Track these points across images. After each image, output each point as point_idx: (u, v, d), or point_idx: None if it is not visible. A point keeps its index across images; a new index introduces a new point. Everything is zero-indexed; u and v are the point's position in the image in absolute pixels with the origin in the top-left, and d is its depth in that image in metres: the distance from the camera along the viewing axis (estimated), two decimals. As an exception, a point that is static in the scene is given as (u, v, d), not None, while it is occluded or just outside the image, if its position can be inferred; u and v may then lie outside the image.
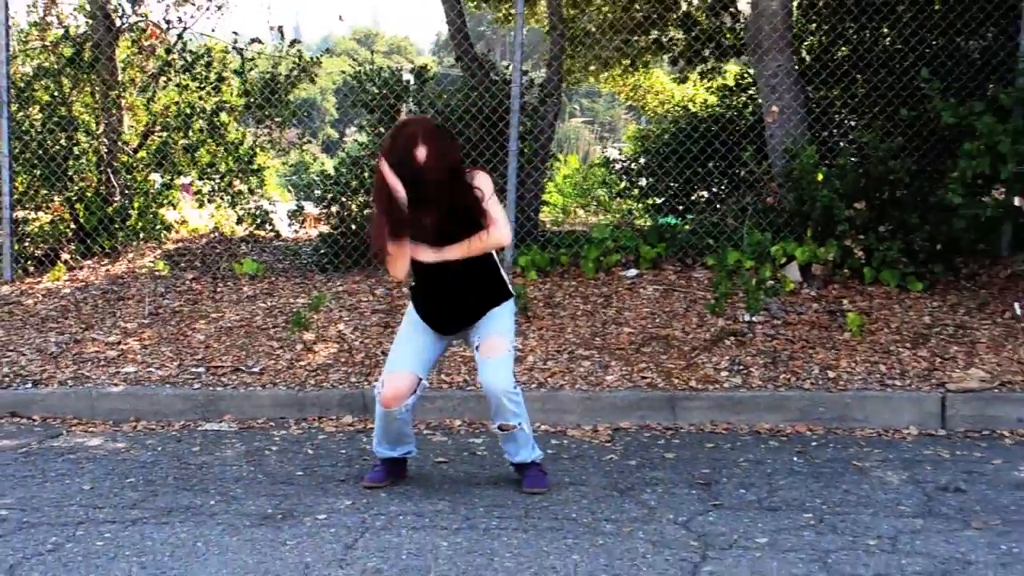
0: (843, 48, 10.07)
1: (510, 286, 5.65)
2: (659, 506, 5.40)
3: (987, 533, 4.90)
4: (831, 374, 7.18)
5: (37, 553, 4.96)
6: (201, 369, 7.84)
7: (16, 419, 7.47)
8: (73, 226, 10.88)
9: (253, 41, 10.92)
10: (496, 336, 5.46)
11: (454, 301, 5.50)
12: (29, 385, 7.75)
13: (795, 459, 6.17)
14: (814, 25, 10.50)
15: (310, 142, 12.16)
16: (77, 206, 10.85)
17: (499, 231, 5.41)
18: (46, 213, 11.05)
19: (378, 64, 11.08)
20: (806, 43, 10.63)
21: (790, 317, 8.07)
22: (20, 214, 10.69)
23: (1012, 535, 4.87)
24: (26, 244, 10.74)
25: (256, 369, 7.78)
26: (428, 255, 5.39)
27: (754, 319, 7.96)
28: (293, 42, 10.94)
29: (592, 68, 14.62)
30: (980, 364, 7.18)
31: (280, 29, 10.86)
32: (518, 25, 9.33)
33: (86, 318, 8.94)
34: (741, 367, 7.34)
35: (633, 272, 9.16)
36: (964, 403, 6.73)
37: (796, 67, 9.68)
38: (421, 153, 5.30)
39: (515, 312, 5.65)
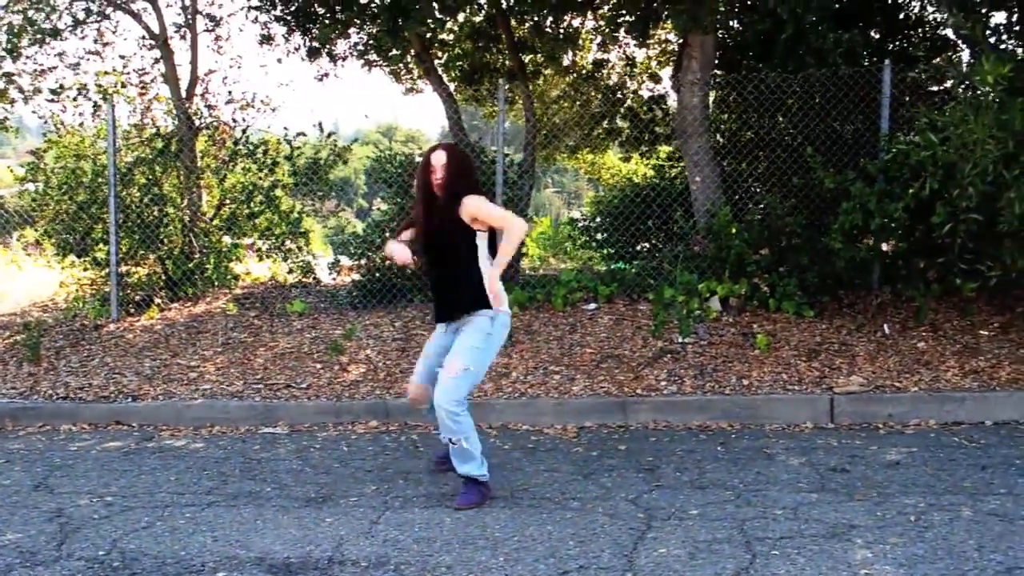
0: (748, 132, 10.02)
1: (496, 303, 5.07)
2: (614, 487, 5.30)
3: (867, 503, 4.83)
4: (745, 382, 7.09)
5: (134, 530, 4.86)
6: (261, 386, 7.72)
7: (119, 426, 7.35)
8: (164, 277, 10.76)
9: (299, 134, 10.84)
10: (455, 356, 4.95)
11: (440, 295, 5.19)
12: (129, 399, 7.63)
13: (719, 448, 6.07)
14: (725, 116, 10.45)
15: (344, 210, 12.10)
16: (167, 262, 10.73)
17: (512, 226, 4.92)
18: (143, 267, 10.93)
19: (395, 151, 11.01)
20: (721, 128, 10.58)
21: (713, 339, 7.97)
22: (123, 268, 10.58)
23: (885, 504, 4.79)
24: (128, 292, 10.62)
25: (303, 385, 7.66)
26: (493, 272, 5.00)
27: (686, 341, 7.87)
28: (330, 134, 10.86)
29: (561, 151, 14.59)
30: (859, 372, 7.10)
31: (320, 124, 10.77)
32: (500, 119, 9.28)
33: (173, 348, 8.82)
34: (677, 378, 7.25)
35: (593, 306, 9.06)
36: (848, 403, 6.64)
37: (713, 147, 9.63)
38: (438, 155, 5.06)
39: (491, 332, 5.03)
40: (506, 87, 9.64)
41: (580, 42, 12.52)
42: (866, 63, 9.09)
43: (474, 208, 4.96)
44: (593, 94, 13.01)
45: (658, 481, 5.39)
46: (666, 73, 12.96)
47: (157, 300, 10.51)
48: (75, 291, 11.18)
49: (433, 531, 4.68)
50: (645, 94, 12.92)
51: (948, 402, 6.57)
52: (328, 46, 10.53)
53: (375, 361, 8.05)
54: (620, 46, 13.07)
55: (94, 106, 11.67)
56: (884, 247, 8.60)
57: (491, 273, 5.02)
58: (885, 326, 7.91)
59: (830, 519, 4.60)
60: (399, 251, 5.26)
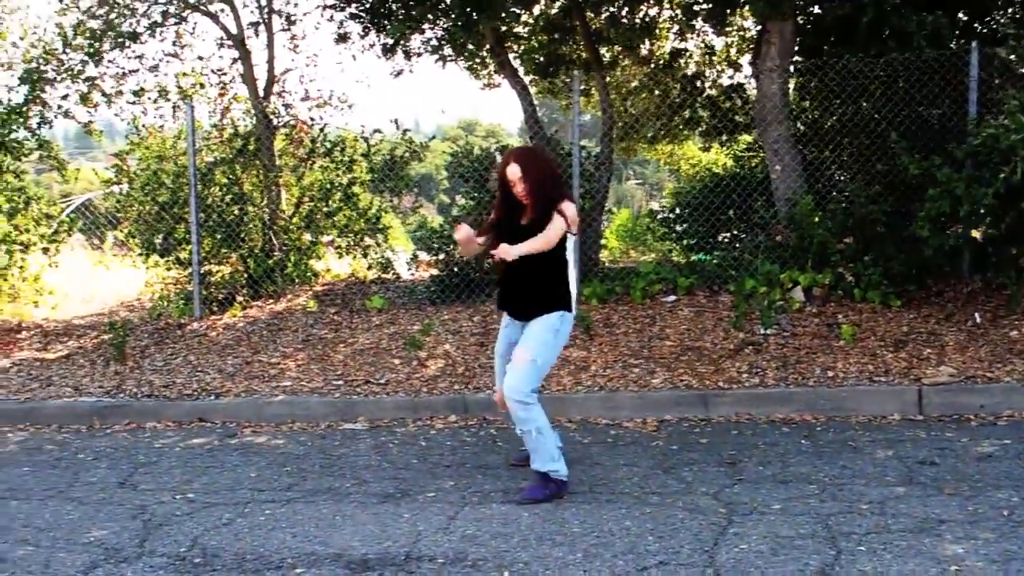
0: (830, 119, 9.81)
1: (567, 303, 5.11)
2: (694, 481, 5.24)
3: (957, 497, 4.69)
4: (830, 373, 6.94)
5: (215, 527, 4.94)
6: (340, 382, 7.80)
7: (202, 423, 7.47)
8: (245, 276, 10.94)
9: (375, 131, 10.93)
10: (521, 348, 5.00)
11: (510, 292, 5.21)
12: (212, 397, 7.76)
13: (803, 442, 5.95)
14: (806, 103, 10.26)
15: (421, 206, 12.16)
16: (248, 260, 10.91)
17: (537, 240, 4.92)
18: (225, 266, 11.12)
19: (472, 145, 11.04)
20: (802, 115, 10.39)
21: (796, 330, 7.83)
22: (205, 267, 10.78)
23: (977, 498, 4.65)
24: (211, 290, 10.81)
25: (382, 381, 7.72)
26: (503, 252, 4.94)
27: (768, 332, 7.75)
28: (405, 131, 10.92)
29: (640, 143, 14.49)
30: (949, 363, 6.91)
31: (396, 121, 10.86)
32: (574, 111, 9.23)
33: (254, 345, 8.96)
34: (759, 370, 7.13)
35: (672, 298, 8.97)
36: (937, 394, 6.46)
37: (793, 135, 9.46)
38: (512, 169, 5.05)
39: (559, 328, 5.05)
40: (581, 78, 9.58)
41: (656, 31, 12.41)
42: (952, 46, 8.84)
43: (571, 213, 5.04)
44: (671, 84, 12.87)
45: (740, 475, 5.30)
46: (745, 60, 12.79)
47: (239, 298, 10.69)
48: (160, 291, 11.43)
49: (510, 527, 4.67)
50: (724, 82, 12.77)
51: (1044, 392, 6.36)
52: (403, 42, 10.58)
53: (453, 356, 8.07)
54: (698, 34, 12.91)
55: (173, 108, 11.89)
56: (974, 234, 8.38)
57: (517, 248, 4.93)
58: (976, 315, 7.69)
59: (918, 513, 4.49)
60: (464, 231, 5.18)
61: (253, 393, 7.74)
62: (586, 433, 6.48)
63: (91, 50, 11.07)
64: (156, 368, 8.60)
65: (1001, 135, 7.38)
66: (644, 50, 12.68)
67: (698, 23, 11.87)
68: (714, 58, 13.13)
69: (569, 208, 5.04)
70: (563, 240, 5.09)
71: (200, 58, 12.14)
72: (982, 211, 7.53)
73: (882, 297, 8.12)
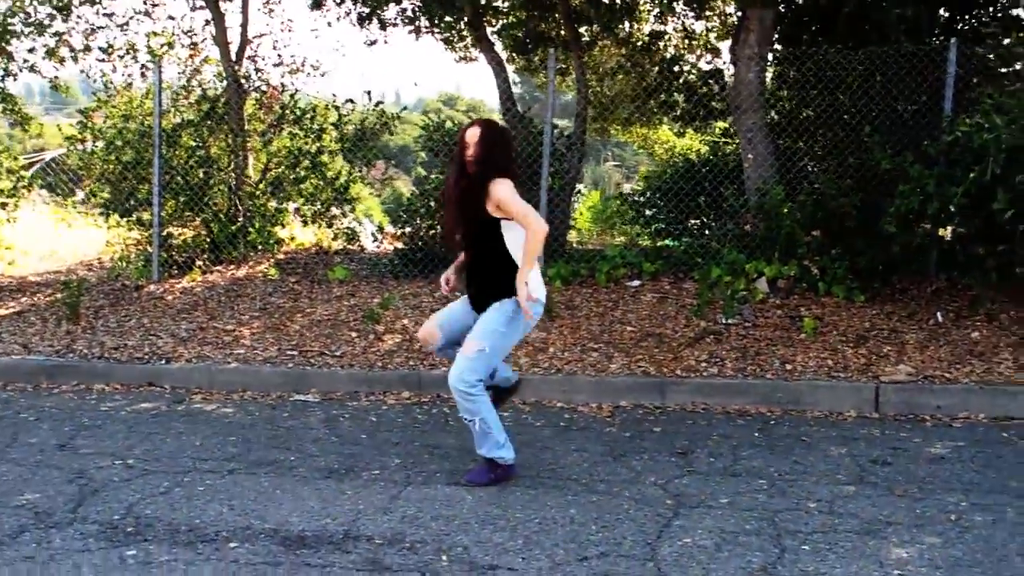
0: (806, 110, 9.73)
1: (526, 296, 4.83)
2: (644, 471, 5.16)
3: (907, 499, 4.63)
4: (788, 367, 6.87)
5: (151, 495, 4.82)
6: (295, 352, 7.66)
7: (152, 387, 7.32)
8: (208, 240, 10.76)
9: (347, 101, 10.76)
10: (473, 336, 4.78)
11: (470, 277, 5.00)
12: (163, 361, 7.60)
13: (756, 434, 5.88)
14: (783, 92, 10.17)
15: (393, 178, 12.00)
16: (212, 224, 10.73)
17: (529, 227, 4.69)
18: (188, 229, 10.94)
19: (444, 120, 10.88)
20: (778, 105, 10.30)
21: (759, 321, 7.76)
22: (167, 230, 10.59)
23: (926, 501, 4.59)
24: (172, 253, 10.63)
25: (338, 353, 7.59)
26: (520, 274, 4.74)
27: (730, 322, 7.68)
28: (378, 103, 10.74)
29: (614, 124, 14.35)
30: (908, 361, 6.85)
31: (368, 92, 10.68)
32: (549, 90, 9.09)
33: (211, 311, 8.80)
34: (717, 359, 7.05)
35: (636, 283, 8.88)
36: (894, 392, 6.40)
37: (767, 124, 9.38)
38: (472, 131, 4.86)
39: (512, 316, 4.81)
40: (557, 57, 9.45)
41: (637, 13, 12.27)
42: (933, 42, 8.76)
43: (498, 195, 4.73)
44: (648, 66, 12.74)
45: (690, 466, 5.23)
46: (725, 46, 12.69)
47: (199, 263, 10.50)
48: (120, 251, 11.23)
49: (453, 509, 4.57)
50: (704, 68, 12.65)
51: (1000, 396, 6.30)
52: (378, 12, 10.39)
53: (411, 331, 7.94)
54: (678, 17, 12.80)
55: (141, 67, 11.65)
56: (942, 233, 8.33)
57: (519, 276, 4.75)
58: (938, 314, 7.64)
59: (867, 514, 4.42)
60: (450, 283, 5.20)
61: (205, 359, 7.59)
62: (539, 416, 6.39)
63: (59, 4, 10.81)
64: (109, 329, 8.43)
65: (974, 134, 7.31)
66: (623, 31, 12.54)
67: (679, 6, 11.73)
68: (694, 42, 13.02)
69: (498, 187, 4.74)
70: (498, 226, 4.83)
71: (171, 18, 11.91)
72: (952, 210, 7.46)
73: (846, 292, 8.06)
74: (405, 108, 11.28)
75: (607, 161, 64.72)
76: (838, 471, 5.10)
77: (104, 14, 11.54)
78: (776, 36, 9.92)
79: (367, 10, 10.31)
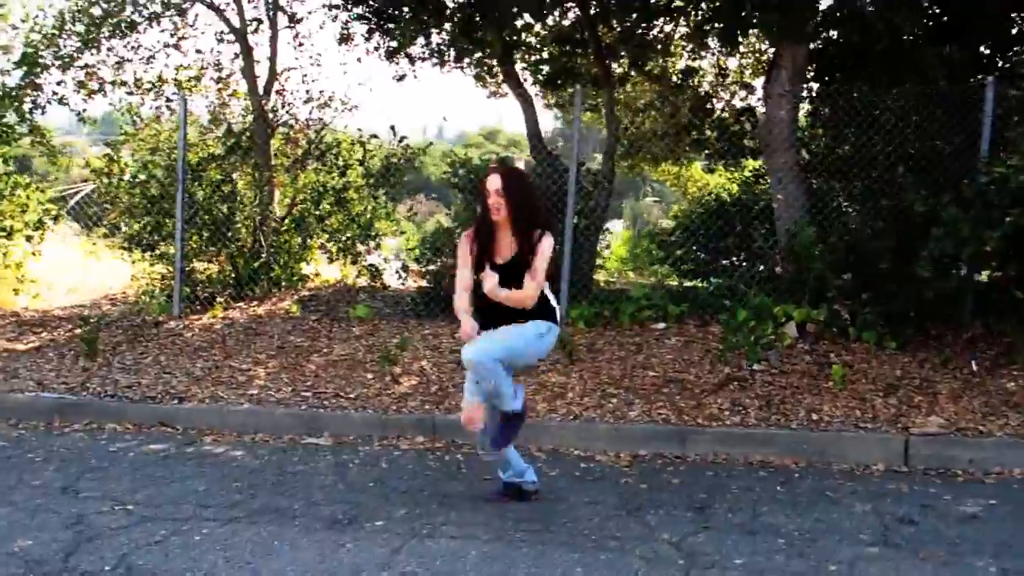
0: (839, 149, 9.54)
1: (553, 317, 5.07)
2: (658, 526, 4.96)
3: (932, 563, 4.39)
4: (815, 416, 6.65)
5: (147, 544, 4.70)
6: (309, 393, 7.55)
7: (164, 428, 7.24)
8: (232, 276, 10.72)
9: (372, 136, 10.72)
10: (501, 331, 4.95)
11: (499, 316, 5.02)
12: (176, 401, 7.52)
13: (779, 488, 5.67)
14: (817, 131, 9.99)
15: (416, 214, 11.91)
16: (236, 259, 10.71)
17: (524, 292, 4.92)
18: (213, 264, 10.91)
19: (468, 155, 10.80)
20: (811, 145, 10.12)
21: (786, 367, 7.55)
22: (191, 265, 10.56)
23: (953, 566, 4.36)
24: (196, 289, 10.60)
25: (352, 395, 7.47)
26: (487, 284, 4.92)
27: (756, 368, 7.47)
28: (402, 138, 10.69)
29: (644, 162, 14.23)
30: (940, 412, 6.61)
31: (393, 128, 10.64)
32: (575, 126, 8.98)
33: (228, 349, 8.72)
34: (741, 408, 6.84)
35: (662, 326, 8.71)
36: (925, 445, 6.17)
37: (799, 163, 9.19)
38: (492, 180, 4.98)
39: (543, 334, 5.01)
40: (584, 93, 9.36)
41: (671, 49, 12.17)
42: (972, 80, 8.55)
43: (544, 251, 4.95)
44: (680, 103, 12.61)
45: (707, 522, 5.02)
46: (759, 83, 12.53)
47: (220, 299, 10.45)
48: (145, 285, 11.23)
49: (455, 565, 4.41)
50: (737, 105, 12.52)
51: (1038, 451, 6.06)
52: (407, 47, 10.35)
53: (428, 373, 7.81)
54: (712, 54, 12.67)
55: (166, 100, 11.69)
56: (979, 278, 8.08)
57: (499, 290, 4.94)
58: (973, 363, 7.38)
59: (889, 580, 4.21)
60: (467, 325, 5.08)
61: (218, 400, 7.50)
62: (555, 464, 6.21)
63: (87, 37, 10.88)
64: (124, 366, 8.38)
65: (1011, 175, 7.09)
66: (655, 67, 12.43)
67: (710, 42, 11.61)
68: (727, 79, 12.88)
69: (547, 243, 4.96)
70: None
71: (198, 52, 11.99)
72: (987, 253, 7.22)
73: (878, 338, 7.83)
74: (431, 144, 11.23)
75: (647, 196, 64.60)
76: (862, 530, 4.87)
77: (131, 47, 11.57)
78: (811, 74, 9.76)
79: (395, 44, 10.27)
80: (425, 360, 8.10)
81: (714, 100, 12.42)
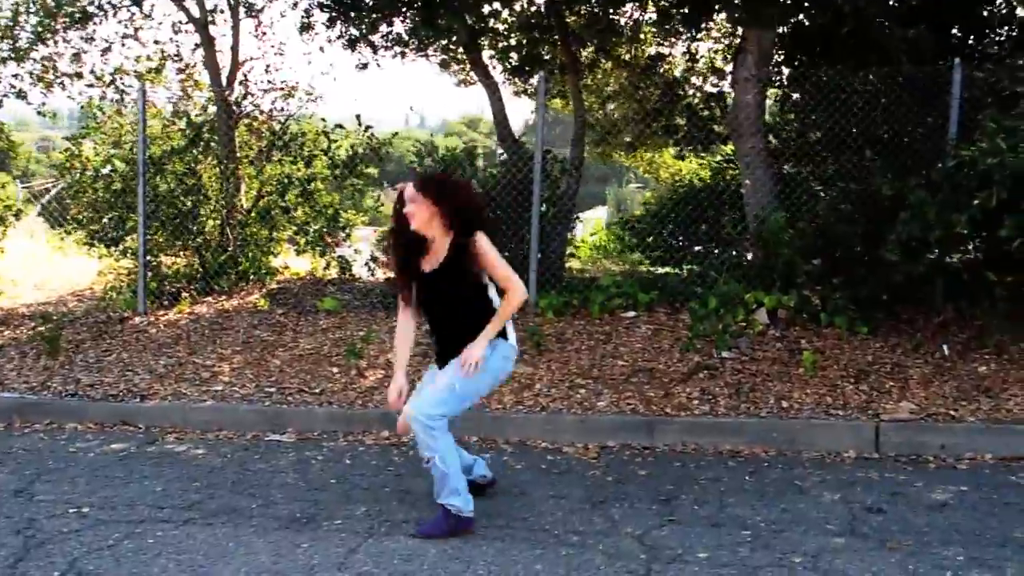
0: (809, 133, 9.46)
1: (503, 333, 4.69)
2: (622, 520, 4.88)
3: (899, 553, 4.33)
4: (785, 404, 6.58)
5: (98, 548, 4.59)
6: (273, 389, 7.42)
7: (126, 427, 7.09)
8: (200, 270, 10.54)
9: (337, 127, 10.56)
10: (444, 374, 4.65)
11: (447, 338, 4.77)
12: (137, 399, 7.38)
13: (747, 478, 5.59)
14: (787, 115, 9.90)
15: (382, 205, 11.75)
16: (204, 253, 10.54)
17: (514, 290, 4.60)
18: (182, 258, 10.73)
19: (437, 143, 10.65)
20: (784, 129, 10.04)
21: (756, 354, 7.47)
22: (157, 259, 10.39)
23: (921, 556, 4.29)
24: (164, 284, 10.40)
25: (317, 390, 7.34)
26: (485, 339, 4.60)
27: (725, 355, 7.39)
28: (367, 128, 10.52)
29: (617, 149, 14.12)
30: (911, 397, 6.55)
31: (358, 117, 10.46)
32: (539, 113, 8.84)
33: (192, 345, 8.56)
34: (710, 396, 6.76)
35: (632, 314, 8.60)
36: (895, 431, 6.10)
37: (767, 148, 9.10)
38: (407, 195, 4.63)
39: (489, 357, 4.62)
40: (546, 80, 9.23)
41: (636, 34, 12.05)
42: (939, 63, 8.47)
43: (482, 253, 4.60)
44: (650, 89, 12.49)
45: (672, 515, 4.94)
46: (730, 68, 12.43)
47: (184, 294, 10.28)
48: (112, 281, 11.04)
49: (413, 564, 4.31)
50: (709, 90, 12.40)
51: (1008, 435, 6.01)
52: (368, 35, 10.19)
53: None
54: (682, 40, 12.55)
55: (120, 93, 11.47)
56: (950, 261, 8.01)
57: (484, 335, 4.61)
58: (944, 347, 7.33)
59: (854, 570, 4.14)
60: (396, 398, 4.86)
61: (181, 397, 7.36)
62: (521, 457, 6.11)
63: (39, 30, 10.66)
64: (87, 364, 8.21)
65: (978, 158, 7.02)
66: (624, 53, 12.31)
67: (676, 27, 11.48)
68: (697, 65, 12.77)
69: (483, 242, 4.63)
70: (482, 280, 4.69)
71: (156, 42, 11.74)
72: (956, 237, 7.15)
73: (848, 323, 7.75)
74: (396, 134, 11.05)
75: (630, 183, 64.47)
76: (829, 520, 4.80)
77: (85, 38, 11.35)
78: (782, 58, 9.68)
79: (356, 33, 10.10)
80: (391, 353, 7.96)
81: (685, 86, 12.30)
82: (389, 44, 10.48)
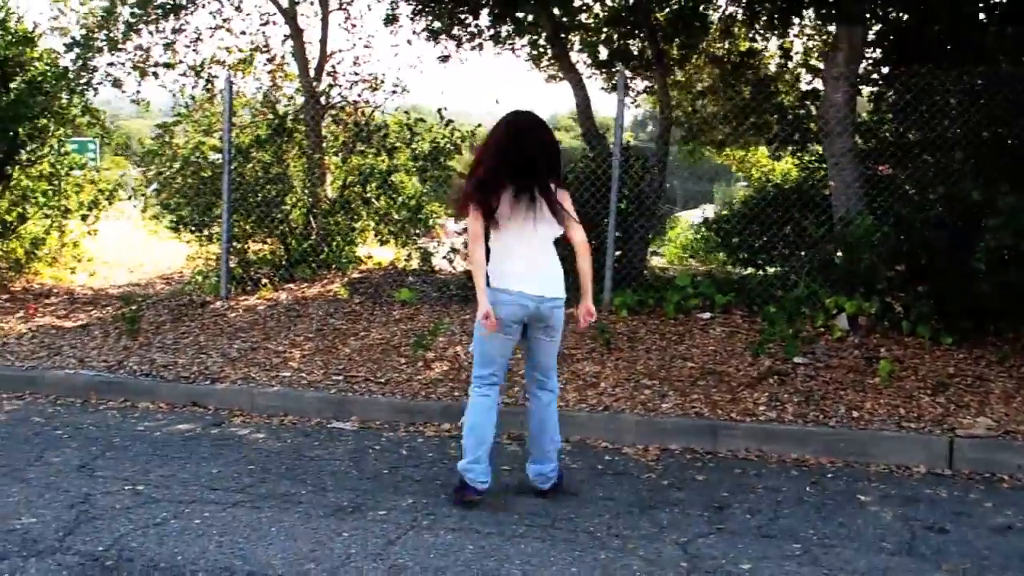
0: (904, 134, 9.13)
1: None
2: (668, 526, 4.74)
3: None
4: (855, 414, 6.34)
5: (145, 526, 4.65)
6: (340, 377, 7.45)
7: (195, 408, 7.21)
8: (285, 258, 10.69)
9: (418, 120, 10.59)
10: None
11: None
12: (208, 381, 7.50)
13: (808, 489, 5.40)
14: (875, 116, 9.57)
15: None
16: (289, 240, 10.68)
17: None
18: (263, 246, 10.90)
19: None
20: (878, 129, 9.71)
21: (832, 361, 7.23)
22: (242, 246, 10.56)
23: (977, 580, 4.07)
24: (249, 270, 10.58)
25: (383, 379, 7.35)
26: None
27: (799, 361, 7.17)
28: (448, 122, 10.52)
29: (707, 147, 13.88)
30: (990, 413, 6.25)
31: (440, 111, 10.48)
32: (618, 108, 8.68)
33: (267, 330, 8.67)
34: (778, 403, 6.56)
35: (708, 315, 8.43)
36: (970, 448, 5.83)
37: (853, 149, 8.80)
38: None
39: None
40: (627, 74, 9.09)
41: (733, 31, 11.80)
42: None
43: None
44: (743, 86, 12.23)
45: (722, 523, 4.79)
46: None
47: (264, 281, 10.42)
48: (200, 266, 11.28)
49: (448, 559, 4.26)
50: (804, 88, 12.09)
51: (1092, 456, 5.69)
52: (450, 28, 10.17)
53: (461, 360, 7.66)
54: (776, 36, 12.24)
55: (206, 82, 11.67)
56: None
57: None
58: (1031, 361, 6.99)
59: (904, 592, 3.94)
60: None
61: (250, 381, 7.45)
62: (579, 456, 6.02)
63: (132, 19, 10.91)
64: (164, 346, 8.39)
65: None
66: (718, 49, 12.08)
67: (761, 23, 11.19)
68: (791, 62, 12.45)
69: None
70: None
71: (243, 32, 11.90)
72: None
73: (932, 333, 7.45)
74: (479, 125, 11.01)
75: (738, 181, 63.59)
76: (886, 537, 4.60)
77: (176, 29, 11.58)
78: (880, 57, 9.36)
79: (439, 25, 10.10)
80: (460, 346, 7.95)
81: (778, 83, 12.00)
82: (470, 36, 10.44)
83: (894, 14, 8.71)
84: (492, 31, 10.26)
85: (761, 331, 7.42)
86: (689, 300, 8.53)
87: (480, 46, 10.63)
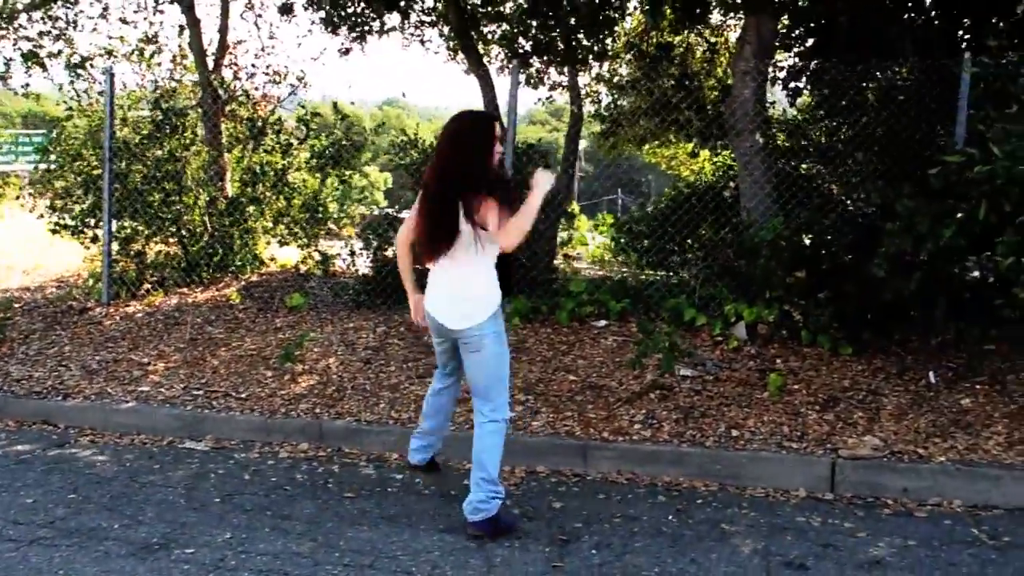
0: (818, 133, 8.79)
1: None
2: (501, 564, 4.35)
3: (794, 626, 3.74)
4: (735, 433, 5.95)
5: (-84, 571, 4.19)
6: (200, 392, 7.00)
7: (46, 426, 6.76)
8: (185, 260, 10.16)
9: (315, 115, 10.12)
10: None
11: None
12: (60, 397, 7.02)
13: (670, 518, 5.01)
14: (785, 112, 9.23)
15: (366, 197, 11.31)
16: (186, 242, 10.17)
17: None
18: (166, 246, 10.38)
19: (420, 135, 10.08)
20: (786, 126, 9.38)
21: (723, 373, 6.86)
22: (133, 248, 10.03)
23: (816, 632, 3.69)
24: (146, 273, 10.03)
25: (244, 395, 6.90)
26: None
27: (687, 374, 6.79)
28: (343, 117, 10.05)
29: (627, 143, 13.49)
30: (878, 431, 5.88)
31: (335, 104, 10.01)
32: (510, 102, 8.24)
33: (137, 340, 8.19)
34: (655, 421, 6.17)
35: (603, 323, 8.03)
36: (853, 470, 5.47)
37: (767, 146, 8.45)
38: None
39: None
40: (519, 70, 8.68)
41: (624, 23, 11.41)
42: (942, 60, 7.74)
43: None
44: (664, 80, 11.84)
45: (561, 560, 4.40)
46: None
47: (148, 285, 9.90)
48: (98, 268, 10.75)
49: (238, 610, 3.83)
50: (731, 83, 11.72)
51: (980, 479, 5.33)
52: (335, 16, 9.70)
53: (331, 373, 7.20)
54: (694, 30, 11.87)
55: (74, 72, 11.11)
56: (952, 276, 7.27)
57: None
58: (931, 374, 6.63)
59: (733, 645, 3.56)
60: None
61: (105, 396, 6.98)
62: (438, 482, 5.60)
63: (9, 6, 10.38)
64: (25, 357, 7.89)
65: (980, 163, 6.31)
66: (638, 42, 11.69)
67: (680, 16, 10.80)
68: (717, 57, 12.10)
69: None
70: None
71: (125, 21, 11.34)
72: (951, 252, 6.44)
73: (832, 343, 7.11)
74: (382, 124, 10.56)
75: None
76: (738, 577, 4.22)
77: (52, 17, 11.00)
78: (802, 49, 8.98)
79: (333, 14, 9.62)
80: (334, 356, 7.50)
81: (698, 78, 11.63)
82: (369, 28, 9.98)
83: (804, 4, 8.32)
84: (394, 24, 9.80)
85: (638, 343, 6.99)
86: (583, 307, 8.13)
87: (363, 37, 10.15)
